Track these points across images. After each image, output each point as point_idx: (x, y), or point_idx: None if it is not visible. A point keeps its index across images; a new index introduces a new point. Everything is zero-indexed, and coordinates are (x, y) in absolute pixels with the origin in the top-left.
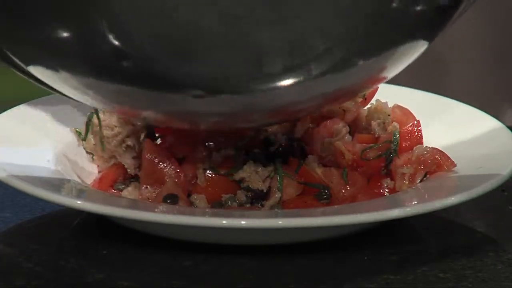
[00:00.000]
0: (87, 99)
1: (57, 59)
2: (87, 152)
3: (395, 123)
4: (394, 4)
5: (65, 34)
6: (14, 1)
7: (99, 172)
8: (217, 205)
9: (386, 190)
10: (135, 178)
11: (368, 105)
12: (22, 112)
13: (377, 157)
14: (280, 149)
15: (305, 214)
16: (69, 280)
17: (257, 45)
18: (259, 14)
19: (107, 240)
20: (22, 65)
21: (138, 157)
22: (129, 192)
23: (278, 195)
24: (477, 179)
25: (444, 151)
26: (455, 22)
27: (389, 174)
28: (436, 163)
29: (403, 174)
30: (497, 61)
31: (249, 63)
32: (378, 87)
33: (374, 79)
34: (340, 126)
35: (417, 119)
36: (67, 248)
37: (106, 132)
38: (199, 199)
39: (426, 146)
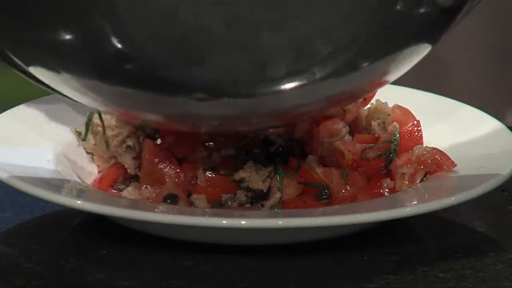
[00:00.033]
0: (88, 101)
1: (58, 60)
2: (87, 152)
3: (395, 123)
4: (398, 7)
5: (65, 35)
6: (14, 1)
7: (99, 172)
8: (217, 205)
9: (386, 190)
10: (135, 178)
11: (368, 105)
12: (22, 112)
13: (377, 157)
14: (280, 149)
15: (305, 214)
16: (69, 280)
17: (261, 48)
18: (260, 16)
19: (107, 240)
20: (23, 65)
21: (138, 157)
22: (129, 192)
23: (278, 195)
24: (477, 179)
25: (444, 151)
26: (457, 25)
27: (389, 174)
28: (436, 163)
29: (403, 174)
30: (497, 61)
31: (252, 66)
32: None
33: (376, 83)
34: (340, 126)
35: (417, 119)
36: (67, 248)
37: (107, 133)
38: (199, 199)
39: (426, 146)
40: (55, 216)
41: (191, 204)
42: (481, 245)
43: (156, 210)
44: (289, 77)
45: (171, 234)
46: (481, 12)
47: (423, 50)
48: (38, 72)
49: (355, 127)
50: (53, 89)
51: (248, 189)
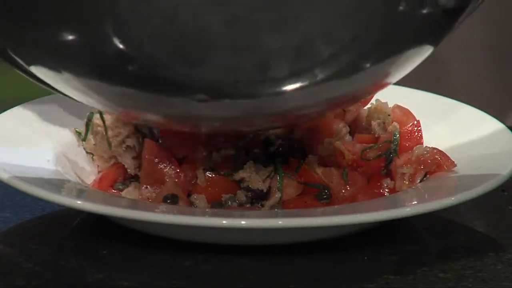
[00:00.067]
0: (89, 100)
1: (58, 60)
2: (87, 152)
3: (395, 123)
4: (401, 7)
5: (65, 36)
6: (14, 1)
7: (99, 172)
8: (217, 205)
9: (386, 190)
10: (135, 178)
11: (368, 105)
12: (22, 112)
13: (377, 157)
14: (280, 149)
15: (305, 214)
16: (69, 280)
17: (261, 48)
18: (260, 16)
19: (107, 240)
20: (24, 65)
21: (138, 157)
22: (129, 192)
23: (278, 195)
24: (477, 179)
25: (444, 151)
26: (459, 26)
27: (389, 174)
28: (436, 163)
29: (403, 174)
30: (497, 61)
31: (253, 67)
32: None
33: (378, 85)
34: (340, 126)
35: (417, 119)
36: (67, 248)
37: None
38: (199, 199)
39: (426, 146)
40: (55, 216)
41: (191, 204)
42: (481, 245)
43: (156, 210)
44: (291, 78)
45: (171, 234)
46: (481, 12)
47: (425, 52)
48: (39, 71)
49: (355, 127)
50: (54, 89)
51: (248, 189)
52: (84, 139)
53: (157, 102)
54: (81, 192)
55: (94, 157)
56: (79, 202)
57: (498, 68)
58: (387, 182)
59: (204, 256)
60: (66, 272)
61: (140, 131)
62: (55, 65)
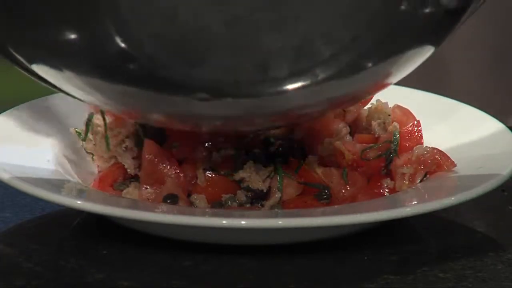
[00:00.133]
0: (91, 99)
1: (59, 59)
2: (87, 152)
3: (395, 123)
4: (402, 7)
5: (66, 35)
6: (14, 1)
7: (99, 172)
8: (217, 205)
9: (386, 190)
10: (135, 178)
11: (368, 105)
12: (22, 112)
13: (377, 157)
14: (280, 149)
15: (305, 214)
16: (69, 280)
17: (261, 48)
18: (260, 16)
19: (107, 240)
20: (26, 63)
21: (138, 157)
22: (129, 192)
23: (278, 195)
24: (477, 179)
25: (444, 151)
26: (460, 26)
27: (389, 174)
28: (436, 163)
29: (403, 174)
30: (497, 61)
31: (253, 67)
32: None
33: (379, 85)
34: (340, 126)
35: (417, 119)
36: (67, 248)
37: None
38: (199, 199)
39: (426, 146)
40: (55, 216)
41: (191, 204)
42: (481, 245)
43: (156, 210)
44: (291, 77)
45: (171, 234)
46: (482, 12)
47: (427, 52)
48: (40, 70)
49: (355, 127)
50: (55, 87)
51: (248, 189)
52: (84, 139)
53: (158, 101)
54: (81, 192)
55: (94, 157)
56: (79, 202)
57: (498, 68)
58: (387, 182)
59: (204, 256)
60: (66, 272)
61: (140, 132)
62: (56, 64)
